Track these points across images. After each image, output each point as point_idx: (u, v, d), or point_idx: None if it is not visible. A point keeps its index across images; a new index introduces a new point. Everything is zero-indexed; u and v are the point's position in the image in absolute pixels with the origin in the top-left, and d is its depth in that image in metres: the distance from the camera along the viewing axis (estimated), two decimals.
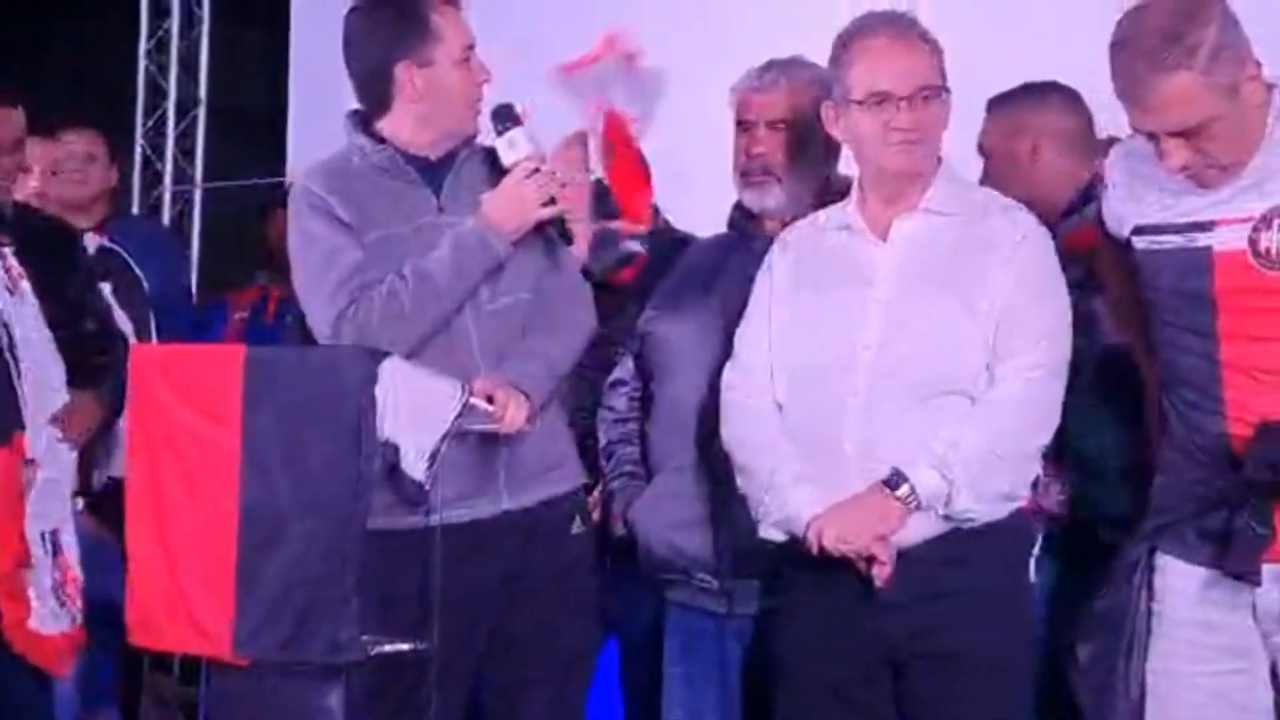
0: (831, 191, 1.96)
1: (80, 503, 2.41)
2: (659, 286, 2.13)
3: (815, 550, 1.71)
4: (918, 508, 1.69)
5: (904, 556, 1.70)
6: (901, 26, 1.86)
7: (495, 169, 1.86)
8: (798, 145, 2.01)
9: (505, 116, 1.87)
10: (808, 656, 1.81)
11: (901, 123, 1.75)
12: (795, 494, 1.74)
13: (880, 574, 1.68)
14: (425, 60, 1.86)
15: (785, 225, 1.95)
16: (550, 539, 1.91)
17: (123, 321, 2.55)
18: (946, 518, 1.71)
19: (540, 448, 1.87)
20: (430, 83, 1.86)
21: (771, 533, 1.79)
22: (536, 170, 1.83)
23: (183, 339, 2.83)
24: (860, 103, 1.76)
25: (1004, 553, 1.80)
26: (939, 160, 1.83)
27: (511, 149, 1.84)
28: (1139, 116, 1.60)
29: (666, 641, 2.07)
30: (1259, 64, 1.62)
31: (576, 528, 1.94)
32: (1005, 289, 1.74)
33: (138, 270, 2.69)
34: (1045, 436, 1.77)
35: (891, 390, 1.73)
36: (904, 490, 1.69)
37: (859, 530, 1.68)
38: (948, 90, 1.79)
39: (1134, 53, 1.58)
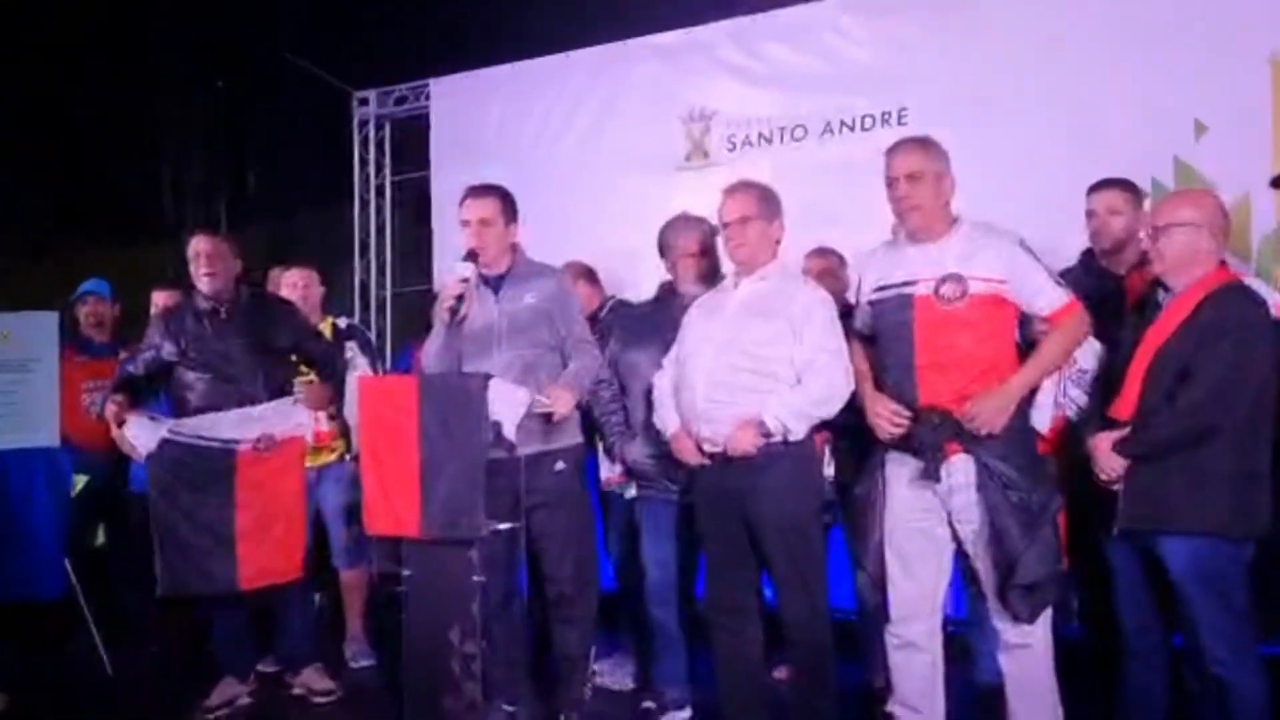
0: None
1: None
2: (619, 330, 3.67)
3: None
4: None
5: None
6: (739, 185, 3.25)
7: None
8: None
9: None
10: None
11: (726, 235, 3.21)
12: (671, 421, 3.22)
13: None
14: None
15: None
16: (548, 468, 3.38)
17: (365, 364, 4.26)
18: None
19: (555, 422, 3.33)
20: None
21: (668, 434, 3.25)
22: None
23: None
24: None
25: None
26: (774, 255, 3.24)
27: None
28: (898, 167, 2.95)
29: (638, 514, 3.64)
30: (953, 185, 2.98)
31: (560, 466, 3.41)
32: None
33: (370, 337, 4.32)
34: None
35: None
36: None
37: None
38: (763, 219, 3.16)
39: (902, 142, 3.00)
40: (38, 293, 5.08)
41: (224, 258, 3.92)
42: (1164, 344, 2.82)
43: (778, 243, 3.26)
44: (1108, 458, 2.86)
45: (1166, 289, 2.92)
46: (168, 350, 3.86)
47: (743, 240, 3.19)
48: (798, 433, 3.07)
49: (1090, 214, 3.48)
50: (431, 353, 3.45)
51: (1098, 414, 2.99)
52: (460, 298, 3.29)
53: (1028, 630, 2.92)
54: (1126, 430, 2.85)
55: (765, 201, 3.22)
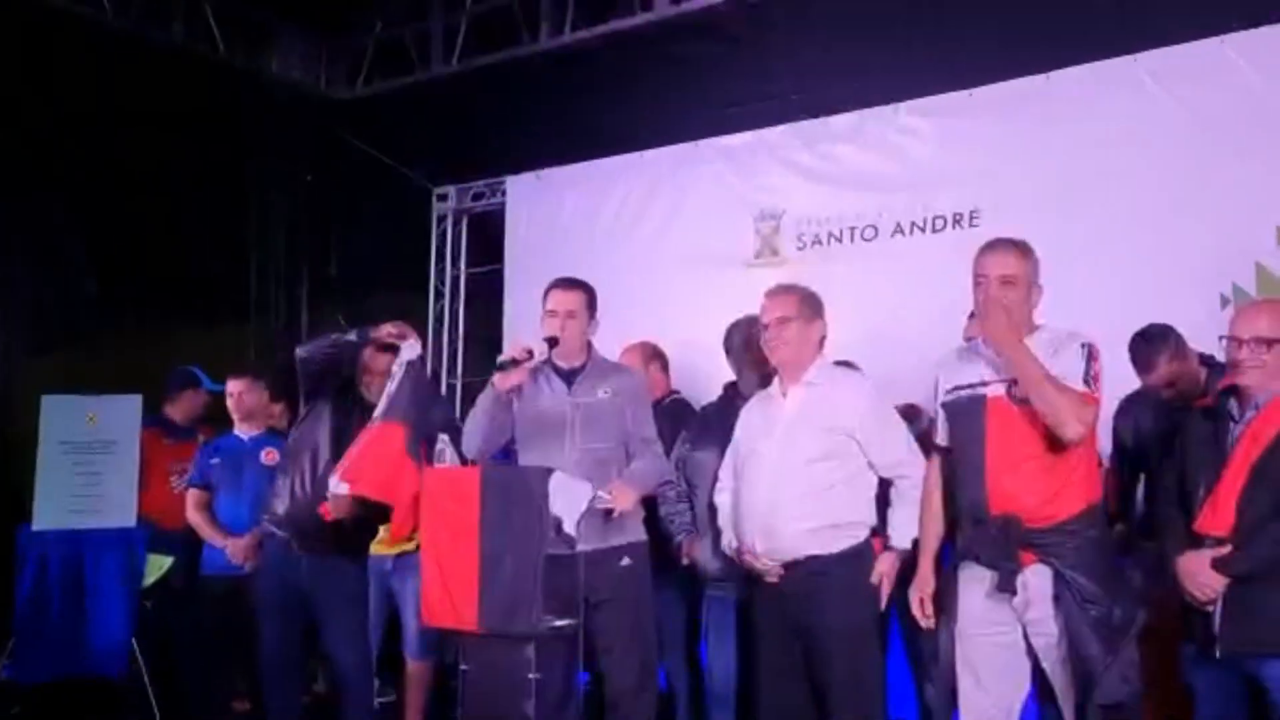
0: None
1: None
2: (687, 430, 3.67)
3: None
4: None
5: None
6: (778, 288, 3.31)
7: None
8: None
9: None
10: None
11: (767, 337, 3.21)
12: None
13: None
14: None
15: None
16: (613, 564, 3.34)
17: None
18: None
19: (619, 518, 3.31)
20: None
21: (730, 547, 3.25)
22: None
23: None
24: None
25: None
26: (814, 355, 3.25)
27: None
28: (992, 268, 2.89)
29: (704, 614, 3.59)
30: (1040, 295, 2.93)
31: (627, 561, 3.37)
32: None
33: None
34: None
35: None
36: None
37: None
38: (801, 319, 3.19)
39: (1000, 241, 2.93)
40: (122, 373, 5.23)
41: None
42: (1260, 460, 2.74)
43: (820, 342, 3.28)
44: (1209, 576, 2.74)
45: (1239, 399, 2.85)
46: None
47: (781, 341, 3.22)
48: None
49: None
50: (477, 428, 3.40)
51: (1176, 528, 2.88)
52: (528, 355, 3.27)
53: None
54: (1226, 549, 2.74)
55: (805, 303, 3.27)
